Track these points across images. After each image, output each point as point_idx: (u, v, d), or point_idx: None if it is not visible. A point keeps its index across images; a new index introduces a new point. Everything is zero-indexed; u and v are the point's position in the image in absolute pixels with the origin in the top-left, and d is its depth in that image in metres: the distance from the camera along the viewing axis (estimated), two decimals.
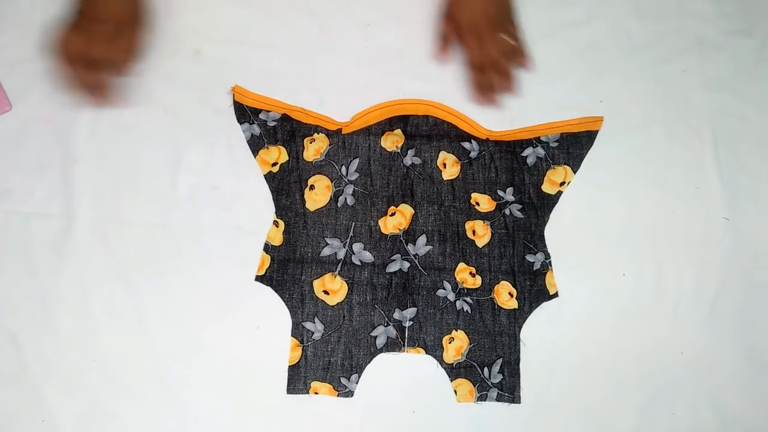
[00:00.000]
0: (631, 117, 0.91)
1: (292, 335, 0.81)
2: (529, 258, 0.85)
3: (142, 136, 0.86)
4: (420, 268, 0.84)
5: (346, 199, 0.85)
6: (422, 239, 0.84)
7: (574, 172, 0.88)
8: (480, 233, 0.85)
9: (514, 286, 0.84)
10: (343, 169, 0.86)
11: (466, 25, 0.89)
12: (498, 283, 0.84)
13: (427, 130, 0.88)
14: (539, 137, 0.89)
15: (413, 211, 0.85)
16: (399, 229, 0.85)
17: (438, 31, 0.91)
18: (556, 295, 0.84)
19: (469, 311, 0.83)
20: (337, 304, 0.82)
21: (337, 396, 0.80)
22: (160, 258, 0.83)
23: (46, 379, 0.78)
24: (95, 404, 0.78)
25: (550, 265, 0.85)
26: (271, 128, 0.87)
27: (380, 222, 0.85)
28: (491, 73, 0.89)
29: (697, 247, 0.87)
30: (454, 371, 0.81)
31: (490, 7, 0.89)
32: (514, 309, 0.83)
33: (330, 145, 0.87)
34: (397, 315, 0.82)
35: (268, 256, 0.83)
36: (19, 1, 0.90)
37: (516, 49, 0.90)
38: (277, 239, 0.84)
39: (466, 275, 0.84)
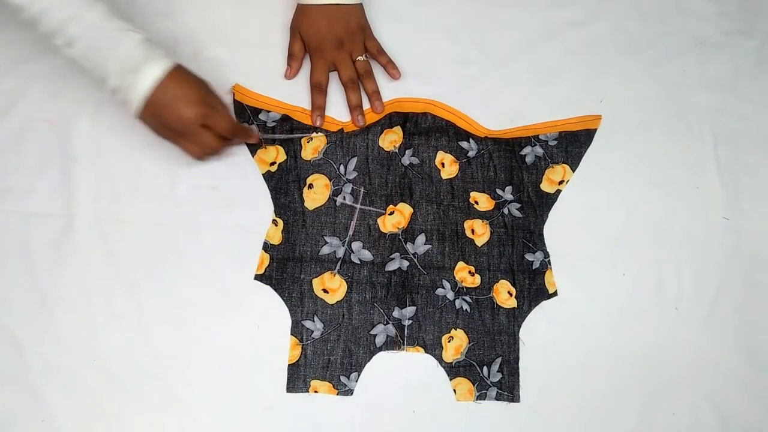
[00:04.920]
0: (631, 117, 0.92)
1: (291, 334, 0.81)
2: (528, 257, 0.85)
3: (142, 136, 0.86)
4: (419, 267, 0.84)
5: (344, 197, 0.85)
6: (421, 238, 0.84)
7: (573, 171, 0.88)
8: (479, 232, 0.85)
9: (514, 285, 0.84)
10: (342, 167, 0.86)
11: (314, 46, 0.88)
12: (497, 282, 0.84)
13: (426, 127, 0.88)
14: (538, 136, 0.89)
15: (412, 210, 0.85)
16: (398, 228, 0.85)
17: (288, 49, 0.90)
18: (555, 294, 0.84)
19: (469, 310, 0.83)
20: (337, 302, 0.82)
21: (337, 394, 0.80)
22: (160, 258, 0.83)
23: (46, 379, 0.78)
24: (95, 404, 0.78)
25: (549, 264, 0.85)
26: (270, 129, 0.87)
27: (379, 221, 0.85)
28: (348, 93, 0.88)
29: (697, 247, 0.87)
30: (453, 370, 0.81)
31: (336, 27, 0.87)
32: (514, 308, 0.83)
33: (328, 144, 0.87)
34: (396, 314, 0.82)
35: (268, 255, 0.83)
36: None
37: (367, 69, 0.89)
38: (276, 238, 0.84)
39: (465, 274, 0.84)
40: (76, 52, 0.73)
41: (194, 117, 0.76)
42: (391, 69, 0.90)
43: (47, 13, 0.70)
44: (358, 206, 0.85)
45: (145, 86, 0.74)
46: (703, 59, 0.95)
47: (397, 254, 0.84)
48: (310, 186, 0.85)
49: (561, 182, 0.87)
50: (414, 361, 0.82)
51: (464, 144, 0.88)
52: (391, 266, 0.84)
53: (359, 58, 0.89)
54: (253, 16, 0.92)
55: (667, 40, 0.96)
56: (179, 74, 0.76)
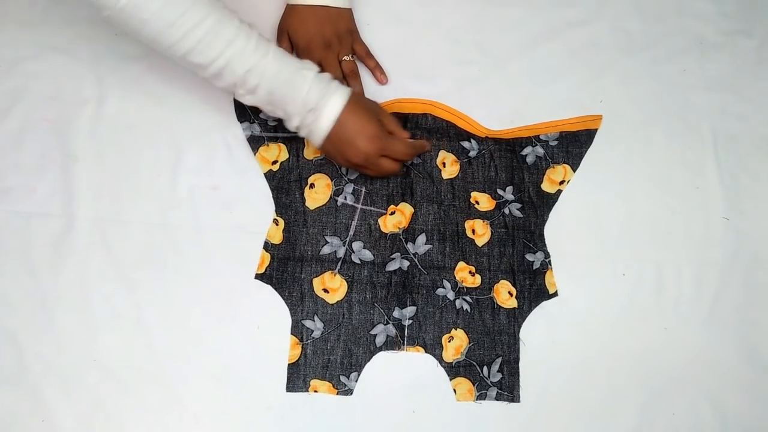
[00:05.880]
0: (631, 117, 0.92)
1: (291, 333, 0.81)
2: (529, 257, 0.85)
3: (142, 136, 0.86)
4: (420, 266, 0.84)
5: (345, 197, 0.85)
6: (422, 238, 0.84)
7: (574, 171, 0.88)
8: (480, 232, 0.85)
9: (514, 285, 0.84)
10: (343, 167, 0.86)
11: (302, 46, 0.88)
12: (497, 282, 0.84)
13: (427, 128, 0.88)
14: (538, 136, 0.89)
15: (413, 210, 0.85)
16: (399, 228, 0.85)
17: None
18: (555, 294, 0.84)
19: (469, 310, 0.83)
20: (337, 302, 0.82)
21: (337, 394, 0.80)
22: (160, 258, 0.82)
23: (46, 379, 0.78)
24: (95, 404, 0.78)
25: (550, 264, 0.85)
26: (272, 127, 0.87)
27: (380, 220, 0.85)
28: None
29: (697, 247, 0.87)
30: (453, 370, 0.81)
31: (326, 28, 0.87)
32: (514, 308, 0.83)
33: None
34: (396, 313, 0.82)
35: (268, 255, 0.83)
36: (19, 1, 0.90)
37: (354, 69, 0.90)
38: (277, 237, 0.84)
39: (465, 274, 0.84)
40: (258, 98, 0.76)
41: (372, 152, 0.79)
42: (379, 73, 0.90)
43: (228, 69, 0.73)
44: (359, 206, 0.85)
45: (325, 126, 0.77)
46: (703, 59, 0.95)
47: (398, 254, 0.84)
48: (312, 185, 0.85)
49: (562, 182, 0.88)
50: (414, 361, 0.82)
51: (465, 144, 0.88)
52: (392, 266, 0.84)
53: (345, 57, 0.89)
54: (252, 16, 0.91)
55: (666, 40, 0.96)
56: (354, 107, 0.78)
